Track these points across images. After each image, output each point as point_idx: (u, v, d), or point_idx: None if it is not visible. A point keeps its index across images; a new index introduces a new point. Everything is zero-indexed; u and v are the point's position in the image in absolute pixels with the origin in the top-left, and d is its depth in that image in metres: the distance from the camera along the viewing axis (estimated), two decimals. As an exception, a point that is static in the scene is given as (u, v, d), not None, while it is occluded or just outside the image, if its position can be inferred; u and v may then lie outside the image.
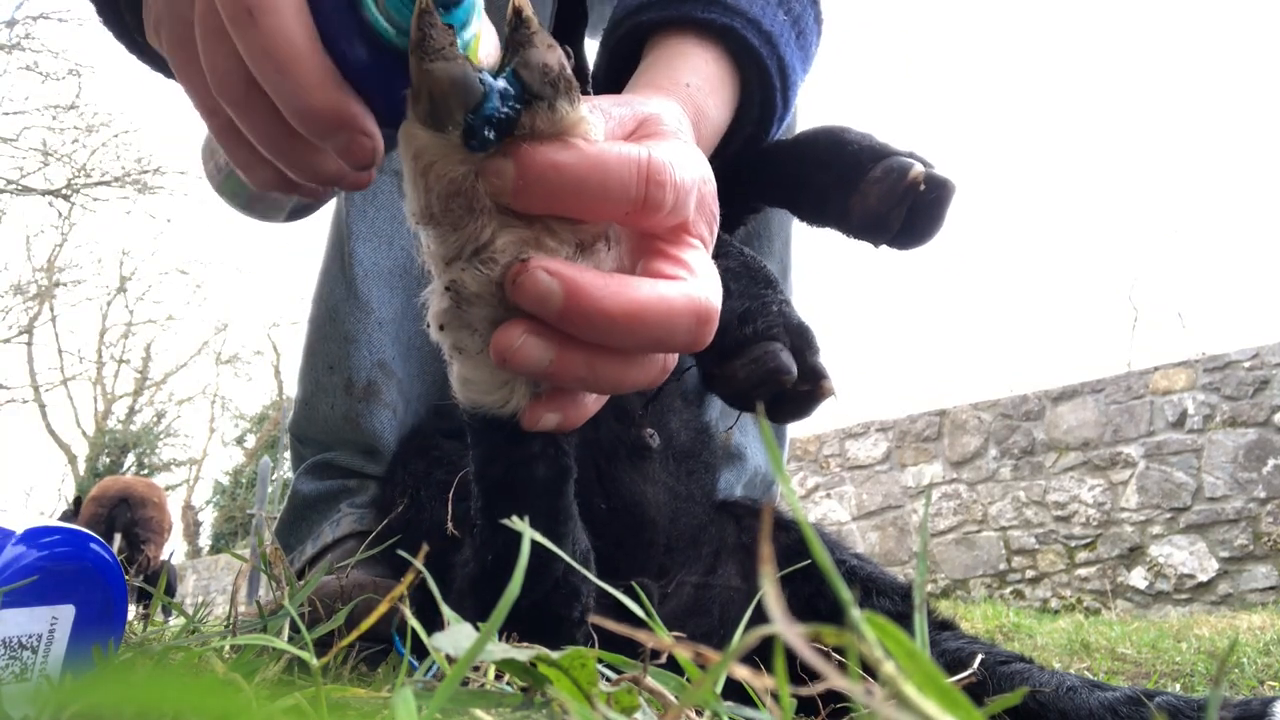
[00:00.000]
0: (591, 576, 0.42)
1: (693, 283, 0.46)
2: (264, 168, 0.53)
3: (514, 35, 0.42)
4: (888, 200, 0.78)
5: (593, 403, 0.51)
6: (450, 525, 0.66)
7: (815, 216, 0.90)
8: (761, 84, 0.77)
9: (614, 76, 0.79)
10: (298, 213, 0.71)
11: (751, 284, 0.74)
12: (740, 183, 0.91)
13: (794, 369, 0.67)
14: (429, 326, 0.47)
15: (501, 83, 0.41)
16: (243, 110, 0.49)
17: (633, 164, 0.43)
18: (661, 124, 0.52)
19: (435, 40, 0.40)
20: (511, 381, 0.47)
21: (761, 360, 0.67)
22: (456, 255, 0.44)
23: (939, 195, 0.79)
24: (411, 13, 0.43)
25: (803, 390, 0.70)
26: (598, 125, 0.44)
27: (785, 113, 0.81)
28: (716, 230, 0.52)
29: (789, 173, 0.88)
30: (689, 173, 0.47)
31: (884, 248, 0.84)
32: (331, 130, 0.46)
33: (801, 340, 0.71)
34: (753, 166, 0.90)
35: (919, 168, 0.78)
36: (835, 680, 0.20)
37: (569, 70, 0.42)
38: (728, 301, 0.70)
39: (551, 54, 0.41)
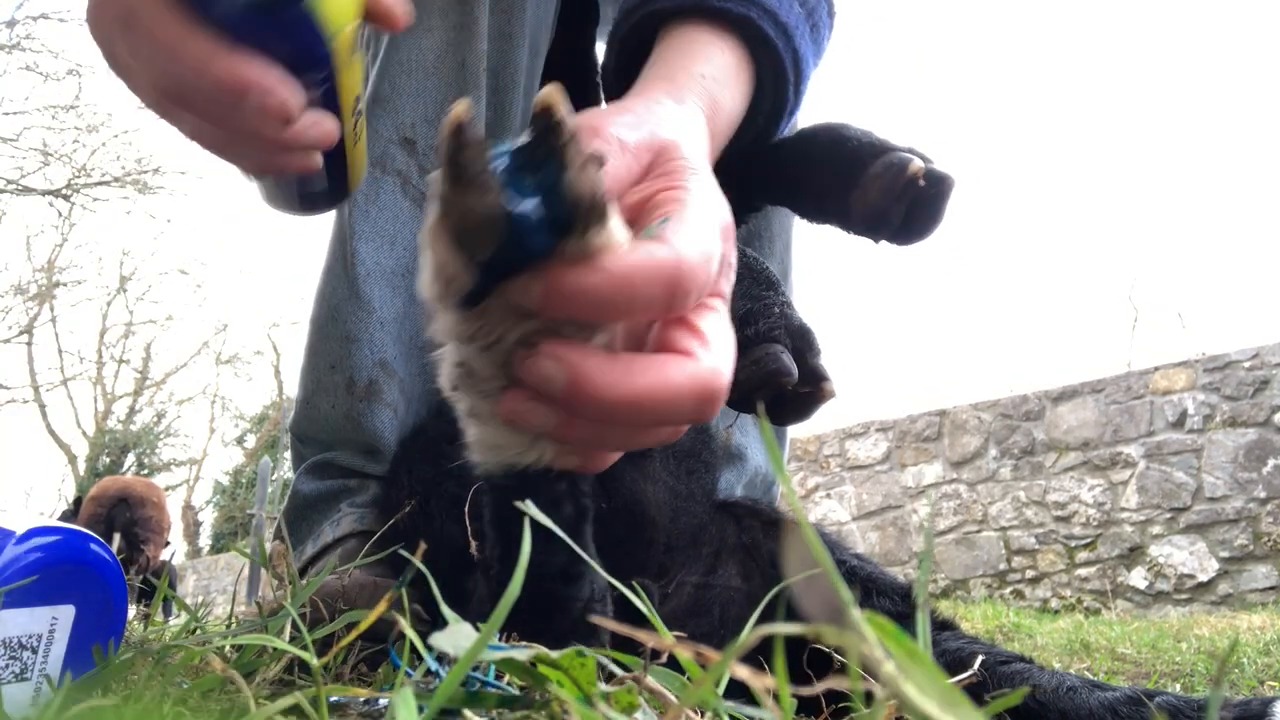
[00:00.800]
0: (604, 593, 0.42)
1: (704, 359, 0.45)
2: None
3: (543, 143, 0.39)
4: (888, 195, 0.79)
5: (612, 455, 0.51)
6: (472, 548, 0.65)
7: (815, 213, 0.90)
8: (775, 76, 0.75)
9: (624, 67, 0.78)
10: (308, 202, 0.72)
11: (753, 285, 0.74)
12: (741, 181, 0.91)
13: (795, 371, 0.67)
14: (442, 385, 0.47)
15: (532, 206, 0.38)
16: (169, 116, 0.50)
17: (660, 278, 0.43)
18: (679, 156, 0.51)
19: (470, 167, 0.37)
20: (529, 439, 0.46)
21: (762, 362, 0.67)
22: (469, 339, 0.43)
23: (939, 190, 0.79)
24: None
25: (804, 392, 0.70)
26: (621, 231, 0.42)
27: (796, 106, 0.81)
28: (734, 277, 0.52)
29: (789, 170, 0.88)
30: (712, 244, 0.46)
31: (884, 244, 0.85)
32: (238, 96, 0.47)
33: (803, 342, 0.70)
34: (753, 164, 0.90)
35: (918, 163, 0.78)
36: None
37: (602, 193, 0.40)
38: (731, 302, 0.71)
39: (586, 178, 0.39)
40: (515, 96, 1.07)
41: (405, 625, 0.37)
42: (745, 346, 0.69)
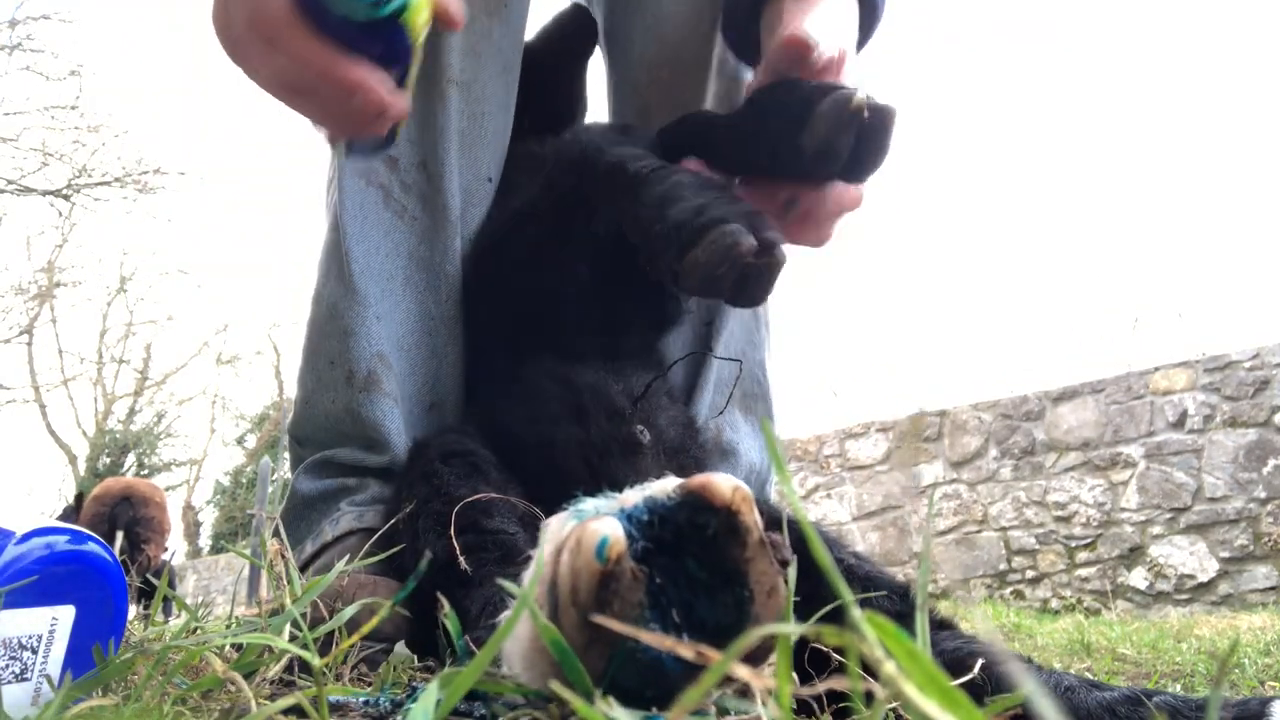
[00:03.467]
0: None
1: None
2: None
3: (711, 550, 0.27)
4: (835, 128, 0.86)
5: None
6: (462, 564, 0.66)
7: (771, 162, 0.95)
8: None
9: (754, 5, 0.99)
10: (365, 150, 0.92)
11: (703, 189, 0.82)
12: (711, 147, 1.01)
13: (753, 241, 0.73)
14: None
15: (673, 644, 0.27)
16: (286, 101, 0.71)
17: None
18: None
19: (620, 613, 0.28)
20: None
21: (719, 239, 0.73)
22: None
23: (882, 121, 0.86)
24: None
25: (762, 263, 0.76)
26: None
27: (878, 19, 1.01)
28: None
29: (754, 126, 0.95)
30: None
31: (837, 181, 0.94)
32: (350, 94, 0.67)
33: (755, 221, 0.77)
34: (717, 128, 1.01)
35: (862, 94, 0.85)
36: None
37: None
38: (683, 203, 0.79)
39: (770, 615, 0.27)
40: (487, 109, 1.14)
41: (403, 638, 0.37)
42: (702, 231, 0.74)
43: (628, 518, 0.28)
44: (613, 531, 0.27)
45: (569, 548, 0.27)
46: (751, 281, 0.76)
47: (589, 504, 0.31)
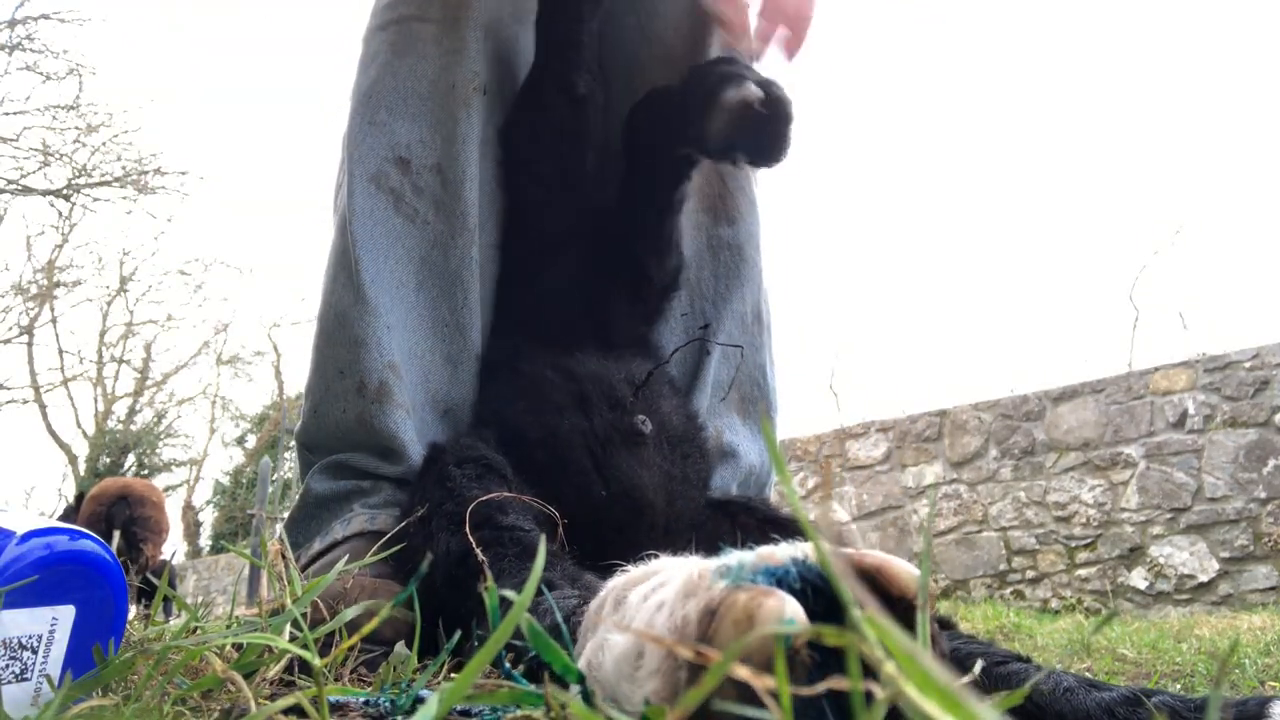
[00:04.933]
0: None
1: None
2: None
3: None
4: (733, 121, 0.92)
5: None
6: (479, 556, 0.66)
7: (680, 142, 1.02)
8: None
9: None
10: None
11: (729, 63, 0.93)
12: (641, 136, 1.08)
13: (761, 92, 0.88)
14: None
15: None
16: None
17: None
18: None
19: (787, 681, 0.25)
20: None
21: (734, 81, 0.87)
22: None
23: (778, 113, 0.92)
24: None
25: (768, 113, 0.88)
26: None
27: None
28: None
29: (676, 99, 1.02)
30: None
31: (745, 167, 1.03)
32: None
33: (767, 82, 0.89)
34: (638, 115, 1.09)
35: (754, 90, 0.91)
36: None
37: None
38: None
39: None
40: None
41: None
42: (723, 83, 0.87)
43: (777, 582, 0.26)
44: (796, 614, 0.24)
45: (732, 617, 0.25)
46: (764, 138, 0.89)
47: (734, 557, 0.29)
